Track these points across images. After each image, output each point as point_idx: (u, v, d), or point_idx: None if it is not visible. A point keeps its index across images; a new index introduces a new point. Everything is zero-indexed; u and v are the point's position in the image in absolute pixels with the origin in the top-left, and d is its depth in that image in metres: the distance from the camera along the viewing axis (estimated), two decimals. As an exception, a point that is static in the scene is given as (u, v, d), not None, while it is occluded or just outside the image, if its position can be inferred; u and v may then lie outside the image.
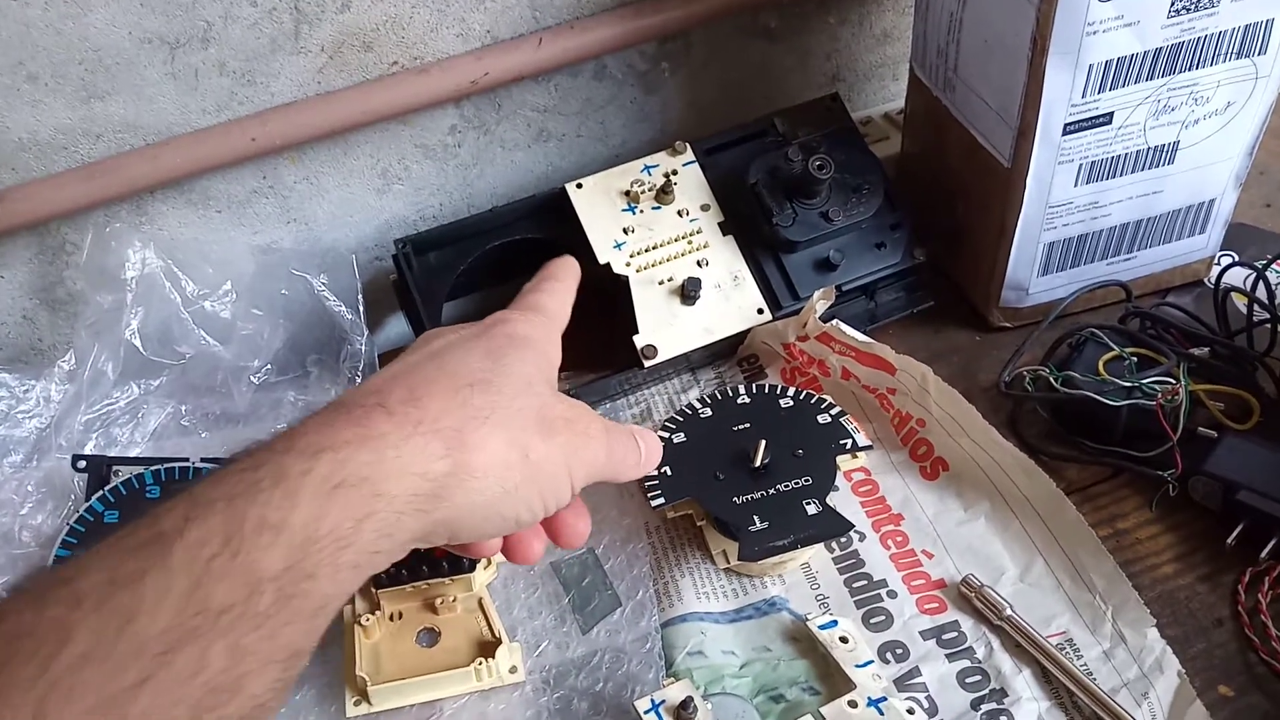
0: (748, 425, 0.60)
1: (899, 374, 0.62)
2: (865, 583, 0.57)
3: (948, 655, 0.53)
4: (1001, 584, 0.55)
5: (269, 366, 0.69)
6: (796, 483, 0.57)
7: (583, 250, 0.67)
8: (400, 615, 0.56)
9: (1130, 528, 0.57)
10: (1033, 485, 0.58)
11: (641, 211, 0.69)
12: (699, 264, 0.67)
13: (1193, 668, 0.51)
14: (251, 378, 0.68)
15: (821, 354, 0.65)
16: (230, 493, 0.34)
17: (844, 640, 0.52)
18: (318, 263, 0.70)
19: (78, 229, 0.70)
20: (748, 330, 0.67)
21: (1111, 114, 0.59)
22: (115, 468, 0.60)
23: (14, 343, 0.74)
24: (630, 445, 0.47)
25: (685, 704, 0.48)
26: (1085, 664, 0.52)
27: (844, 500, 0.60)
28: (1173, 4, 0.54)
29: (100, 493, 0.59)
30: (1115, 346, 0.62)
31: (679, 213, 0.69)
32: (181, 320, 0.67)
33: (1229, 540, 0.55)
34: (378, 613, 0.55)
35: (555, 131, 0.80)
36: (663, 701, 0.48)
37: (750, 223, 0.68)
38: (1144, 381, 0.58)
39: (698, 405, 0.62)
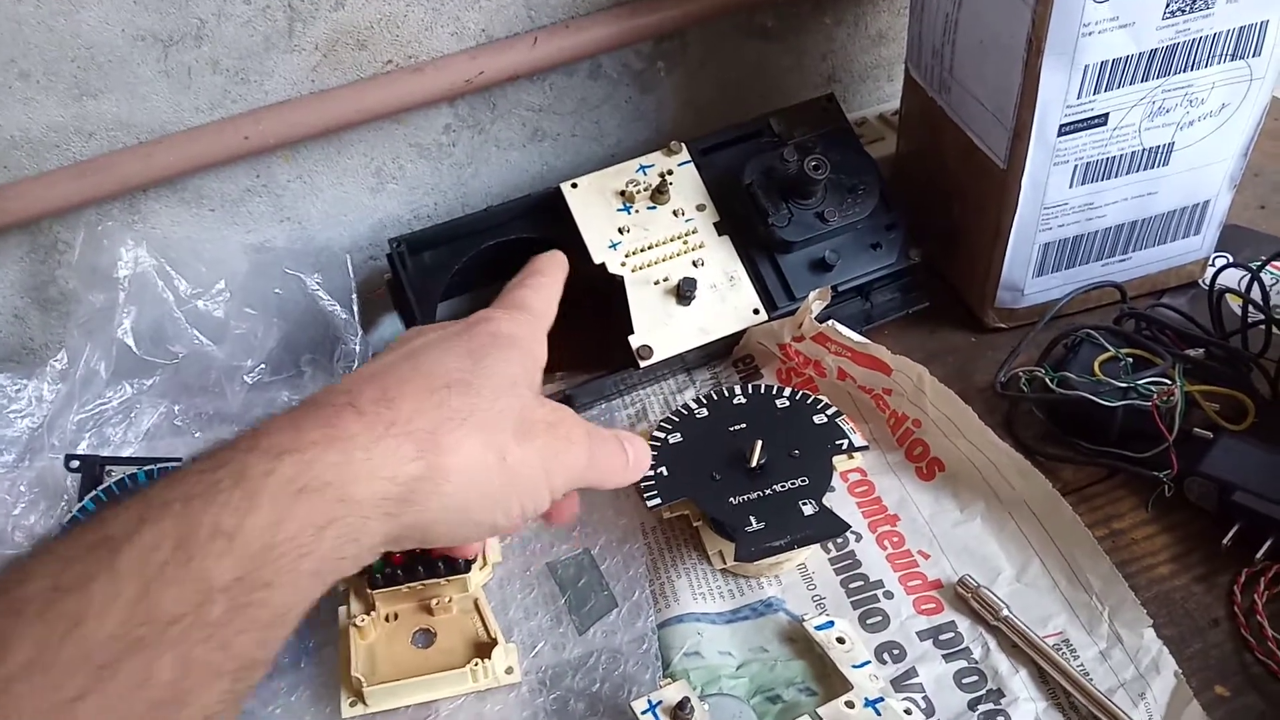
0: (744, 426, 0.60)
1: (895, 374, 0.62)
2: (862, 583, 0.57)
3: (944, 656, 0.53)
4: (998, 584, 0.55)
5: (262, 366, 0.68)
6: (793, 483, 0.57)
7: (578, 250, 0.67)
8: (396, 616, 0.56)
9: (1126, 528, 0.57)
10: (1029, 486, 0.58)
11: (637, 211, 0.69)
12: (694, 264, 0.67)
13: (1189, 668, 0.51)
14: (245, 377, 0.68)
15: (817, 354, 0.65)
16: (186, 494, 0.32)
17: (841, 641, 0.52)
18: (311, 262, 0.70)
19: (70, 227, 0.69)
20: (743, 331, 0.67)
21: (1107, 115, 0.59)
22: (108, 468, 0.60)
23: (6, 342, 0.74)
24: (615, 451, 0.46)
25: (682, 705, 0.47)
26: (1082, 664, 0.52)
27: (840, 501, 0.60)
28: (1168, 5, 0.55)
29: (93, 493, 0.59)
30: (1110, 347, 0.62)
31: (674, 213, 0.69)
32: (174, 319, 0.66)
33: (1225, 541, 0.55)
34: (373, 614, 0.55)
35: (550, 131, 0.80)
36: (659, 702, 0.48)
37: (746, 223, 0.68)
38: (1139, 382, 0.58)
39: (693, 406, 0.62)
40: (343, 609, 0.56)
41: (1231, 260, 0.69)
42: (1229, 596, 0.54)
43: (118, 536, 0.31)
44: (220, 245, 0.71)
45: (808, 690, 0.52)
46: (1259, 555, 0.54)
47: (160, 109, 0.67)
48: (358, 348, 0.68)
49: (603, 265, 0.67)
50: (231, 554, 0.31)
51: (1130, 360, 0.61)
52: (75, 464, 0.60)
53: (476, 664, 0.53)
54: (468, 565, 0.56)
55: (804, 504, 0.56)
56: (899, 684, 0.52)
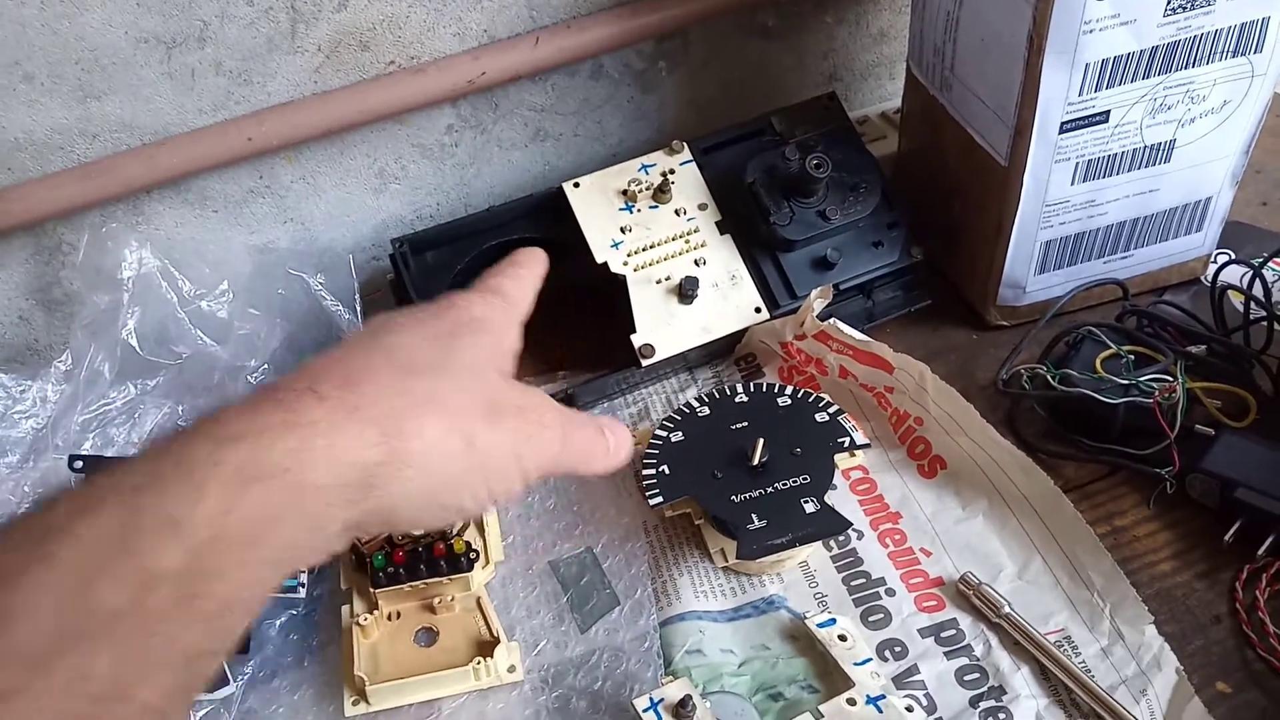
0: (746, 424, 0.60)
1: (897, 372, 0.62)
2: (863, 581, 0.57)
3: (946, 653, 0.53)
4: (999, 582, 0.55)
5: (266, 366, 0.68)
6: (794, 481, 0.57)
7: (580, 249, 0.67)
8: (398, 615, 0.56)
9: (1128, 525, 0.57)
10: (1030, 483, 0.58)
11: (639, 211, 0.69)
12: (696, 263, 0.67)
13: (1190, 664, 0.51)
14: (248, 377, 0.68)
15: (819, 353, 0.65)
16: (131, 483, 0.31)
17: (842, 638, 0.52)
18: (314, 262, 0.70)
19: (74, 229, 0.70)
20: (745, 329, 0.67)
21: (1108, 112, 0.59)
22: (112, 468, 0.60)
23: (10, 343, 0.74)
24: (593, 436, 0.44)
25: (684, 702, 0.47)
26: (1083, 661, 0.52)
27: (842, 498, 0.60)
28: (1169, 2, 0.54)
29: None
30: (1112, 344, 0.62)
31: (676, 212, 0.69)
32: (178, 320, 0.66)
33: (1226, 537, 0.55)
34: (376, 613, 0.55)
35: (552, 131, 0.80)
36: (661, 700, 0.48)
37: (748, 222, 0.68)
38: (1141, 379, 0.58)
39: (695, 404, 0.62)
40: (345, 608, 0.56)
41: (1233, 257, 0.68)
42: (1230, 593, 0.54)
43: (56, 526, 0.30)
44: (224, 246, 0.71)
45: (809, 688, 0.52)
46: (1260, 552, 0.54)
47: (164, 111, 0.67)
48: (360, 348, 0.68)
49: (605, 264, 0.67)
50: (177, 543, 0.30)
51: (1132, 357, 0.61)
52: (79, 464, 0.60)
53: (479, 662, 0.53)
54: (470, 564, 0.56)
55: (806, 502, 0.56)
56: (900, 681, 0.52)
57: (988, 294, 0.68)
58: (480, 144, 0.78)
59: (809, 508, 0.55)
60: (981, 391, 0.64)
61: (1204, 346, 0.63)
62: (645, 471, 0.58)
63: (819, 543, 0.58)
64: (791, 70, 0.84)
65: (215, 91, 0.68)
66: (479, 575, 0.57)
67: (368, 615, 0.55)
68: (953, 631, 0.54)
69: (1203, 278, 0.70)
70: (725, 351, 0.69)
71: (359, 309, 0.70)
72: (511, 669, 0.54)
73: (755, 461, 0.57)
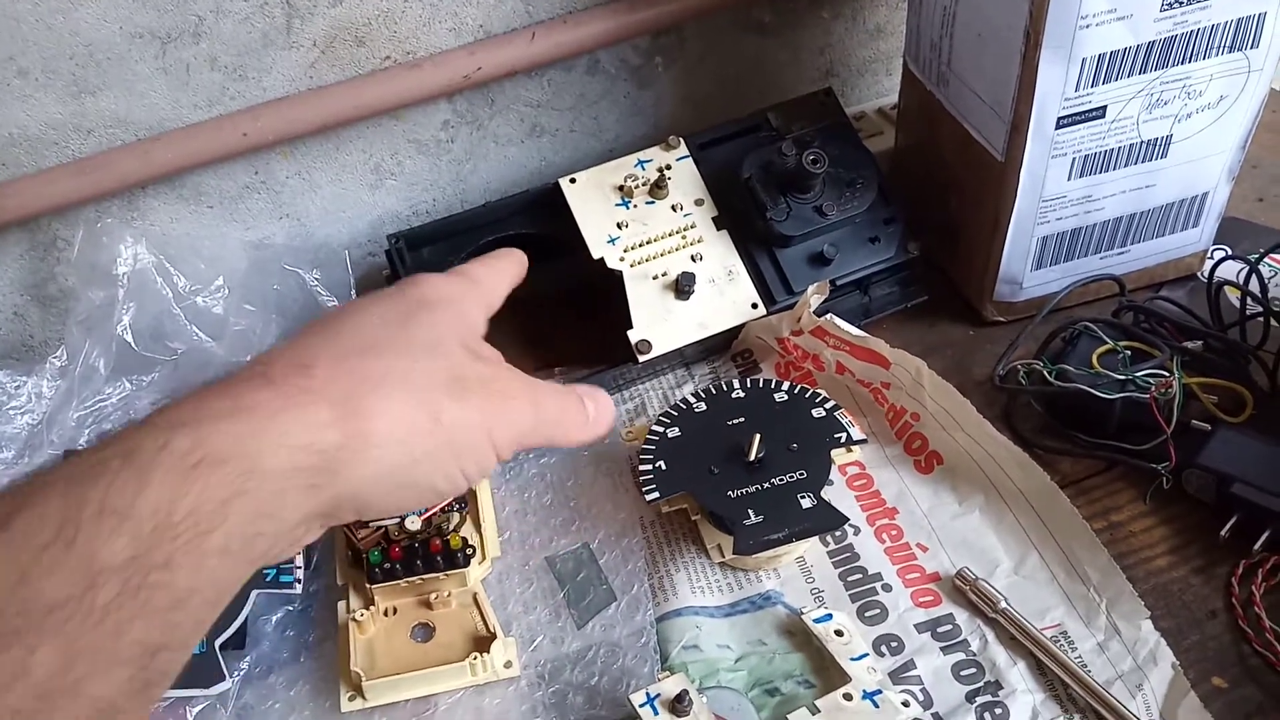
0: (742, 420, 0.60)
1: (893, 368, 0.62)
2: (860, 576, 0.57)
3: (942, 648, 0.53)
4: (996, 577, 0.55)
5: (262, 362, 0.68)
6: (791, 477, 0.57)
7: (577, 245, 0.67)
8: (395, 611, 0.56)
9: (1124, 520, 0.57)
10: (1027, 479, 0.58)
11: (635, 206, 0.69)
12: (693, 259, 0.67)
13: (1187, 659, 0.51)
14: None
15: (816, 348, 0.65)
16: (72, 475, 0.30)
17: (839, 633, 0.52)
18: (310, 258, 0.70)
19: (69, 225, 0.70)
20: (742, 325, 0.67)
21: (1104, 108, 0.59)
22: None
23: (5, 339, 0.74)
24: (569, 405, 0.44)
25: (680, 697, 0.47)
26: (1080, 656, 0.52)
27: (839, 494, 0.60)
28: (1165, -3, 0.55)
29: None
30: (1109, 340, 0.62)
31: (673, 207, 0.69)
32: (173, 316, 0.66)
33: (1222, 533, 0.55)
34: (372, 608, 0.55)
35: (549, 126, 0.80)
36: (658, 695, 0.48)
37: (744, 217, 0.68)
38: (1137, 375, 0.58)
39: (692, 400, 0.62)
40: (341, 604, 0.56)
41: (1230, 253, 0.69)
42: (1227, 588, 0.54)
43: None
44: (219, 242, 0.71)
45: (806, 683, 0.52)
46: (1257, 547, 0.54)
47: (159, 106, 0.67)
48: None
49: (601, 260, 0.67)
50: (122, 534, 0.30)
51: (1128, 353, 0.61)
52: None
53: (475, 658, 0.53)
54: (467, 560, 0.56)
55: (802, 497, 0.56)
56: (897, 676, 0.52)
57: (984, 289, 0.68)
58: (476, 140, 0.78)
59: (806, 503, 0.55)
60: (978, 387, 0.64)
61: (1200, 342, 0.63)
62: (642, 467, 0.58)
63: (816, 538, 0.58)
64: (788, 66, 0.84)
65: (210, 87, 0.67)
66: (475, 571, 0.57)
67: (364, 611, 0.55)
68: (949, 626, 0.54)
69: (1199, 273, 0.70)
70: (722, 347, 0.69)
71: (355, 305, 0.70)
72: (508, 664, 0.54)
73: (752, 457, 0.57)
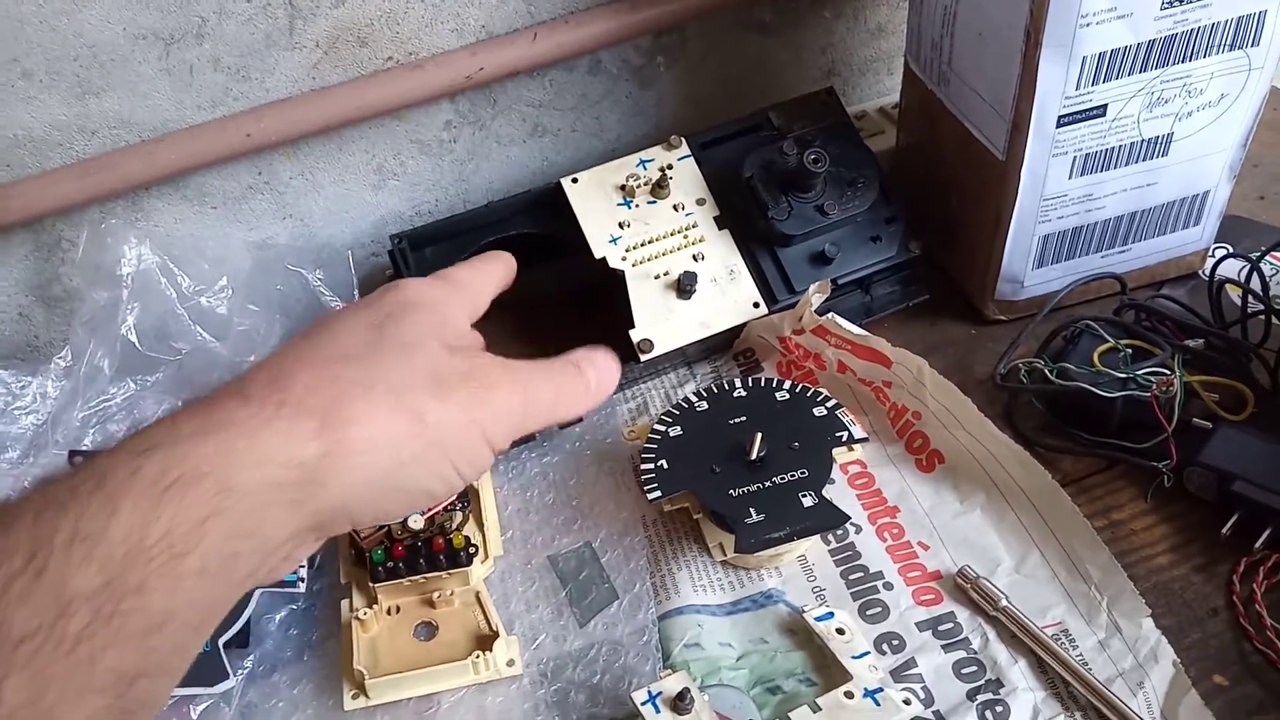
0: (744, 419, 0.60)
1: (895, 367, 0.62)
2: (861, 574, 0.57)
3: (944, 646, 0.53)
4: (997, 575, 0.55)
5: (265, 362, 0.69)
6: (793, 475, 0.57)
7: (579, 245, 0.68)
8: (398, 609, 0.56)
9: (1125, 519, 0.57)
10: (1028, 477, 0.58)
11: (637, 206, 0.69)
12: (695, 258, 0.67)
13: (1188, 657, 0.51)
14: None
15: (817, 347, 0.65)
16: (41, 504, 0.30)
17: (840, 632, 0.52)
18: (313, 258, 0.70)
19: (73, 225, 0.70)
20: (744, 324, 0.67)
21: (1105, 106, 0.59)
22: (112, 464, 0.60)
23: (10, 339, 0.74)
24: (563, 380, 0.42)
25: (682, 695, 0.48)
26: (1081, 654, 0.52)
27: (840, 493, 0.60)
28: (1166, -4, 0.55)
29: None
30: (1110, 338, 0.62)
31: (674, 207, 0.69)
32: (178, 316, 0.67)
33: (1224, 531, 0.55)
34: (375, 607, 0.56)
35: (550, 126, 0.80)
36: (660, 693, 0.48)
37: (746, 217, 0.68)
38: (1139, 373, 0.58)
39: (694, 399, 0.62)
40: (345, 602, 0.56)
41: (1231, 251, 0.68)
42: (1228, 586, 0.54)
43: None
44: (223, 242, 0.71)
45: (807, 681, 0.52)
46: (1258, 545, 0.54)
47: (162, 107, 0.67)
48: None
49: (603, 260, 0.67)
50: (94, 560, 0.29)
51: (1129, 351, 0.61)
52: (79, 460, 0.60)
53: (478, 656, 0.53)
54: (469, 559, 0.56)
55: (804, 496, 0.56)
56: (898, 674, 0.52)
57: (986, 288, 0.68)
58: (479, 140, 0.78)
59: (807, 502, 0.56)
60: (979, 386, 0.64)
61: (1202, 340, 0.63)
62: (644, 466, 0.58)
63: (817, 537, 0.58)
64: (789, 65, 0.84)
65: (214, 88, 0.68)
66: (478, 570, 0.57)
67: (367, 610, 0.55)
68: (950, 625, 0.54)
69: (1200, 272, 0.70)
70: (724, 346, 0.69)
71: (358, 305, 0.70)
72: (510, 663, 0.54)
73: (753, 456, 0.57)
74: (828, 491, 0.56)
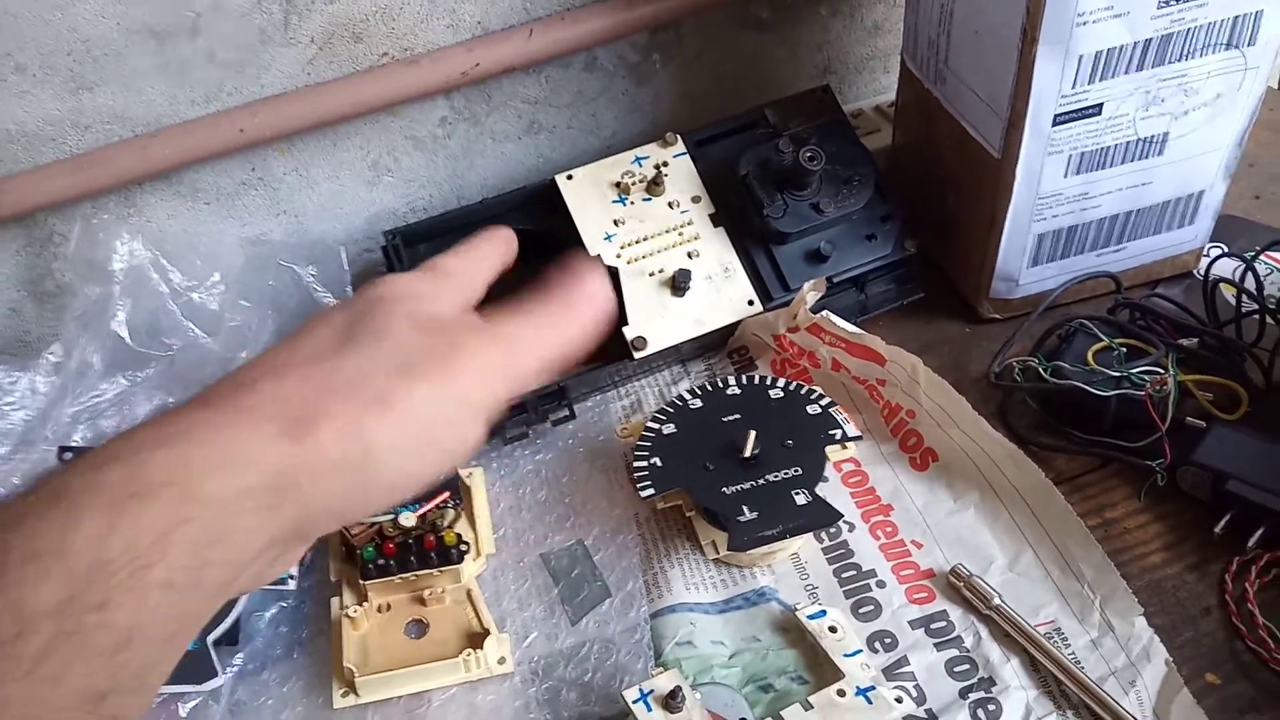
0: (738, 416, 0.60)
1: (889, 365, 0.62)
2: (854, 573, 0.57)
3: (936, 644, 0.53)
4: (990, 574, 0.55)
5: (257, 358, 0.68)
6: (786, 473, 0.57)
7: (573, 242, 0.67)
8: (388, 607, 0.56)
9: (1119, 517, 0.57)
10: (1022, 475, 0.58)
11: (632, 203, 0.69)
12: (689, 255, 0.67)
13: (1180, 656, 0.51)
14: (240, 370, 0.68)
15: (812, 345, 0.65)
16: (3, 520, 0.29)
17: (833, 630, 0.52)
18: (307, 254, 0.70)
19: (65, 220, 0.69)
20: (738, 322, 0.67)
21: (1101, 105, 0.59)
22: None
23: (1, 334, 0.74)
24: (554, 323, 0.41)
25: (674, 694, 0.47)
26: (1073, 653, 0.52)
27: (833, 491, 0.60)
28: (1162, -5, 0.55)
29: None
30: (1104, 337, 0.62)
31: (670, 204, 0.69)
32: (169, 312, 0.66)
33: (1217, 529, 0.55)
34: (366, 604, 0.55)
35: (546, 123, 0.80)
36: (651, 691, 0.48)
37: (741, 214, 0.68)
38: (1133, 372, 0.58)
39: (688, 397, 0.62)
40: (335, 600, 0.56)
41: (1226, 250, 0.68)
42: (1220, 585, 0.54)
43: None
44: (215, 238, 0.71)
45: (799, 679, 0.52)
46: (1251, 544, 0.54)
47: (156, 102, 0.67)
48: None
49: (598, 257, 0.67)
50: (53, 577, 0.28)
51: (1124, 350, 0.60)
52: (69, 456, 0.60)
53: (469, 654, 0.53)
54: (461, 556, 0.56)
55: (797, 494, 0.56)
56: (890, 673, 0.52)
57: (980, 287, 0.68)
58: (473, 136, 0.78)
59: (800, 500, 0.55)
60: (974, 384, 0.64)
61: (1196, 339, 0.63)
62: (637, 464, 0.58)
63: (810, 535, 0.58)
64: (785, 63, 0.84)
65: (207, 83, 0.67)
66: (469, 567, 0.57)
67: (357, 607, 0.55)
68: (943, 623, 0.54)
69: (1195, 271, 0.70)
70: (718, 344, 0.69)
71: (351, 301, 0.70)
72: (502, 661, 0.54)
73: (747, 454, 0.57)
74: (821, 489, 0.56)
